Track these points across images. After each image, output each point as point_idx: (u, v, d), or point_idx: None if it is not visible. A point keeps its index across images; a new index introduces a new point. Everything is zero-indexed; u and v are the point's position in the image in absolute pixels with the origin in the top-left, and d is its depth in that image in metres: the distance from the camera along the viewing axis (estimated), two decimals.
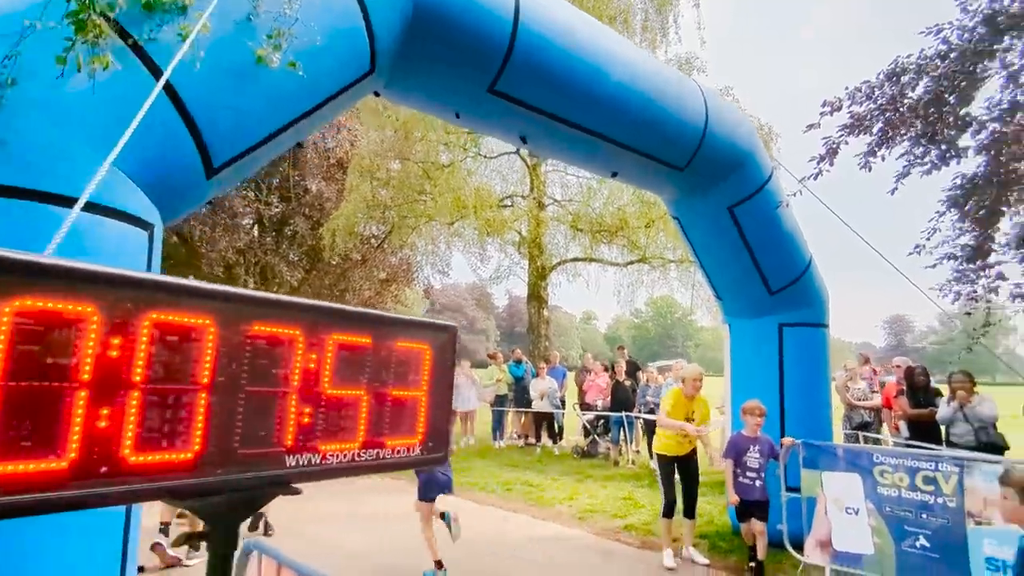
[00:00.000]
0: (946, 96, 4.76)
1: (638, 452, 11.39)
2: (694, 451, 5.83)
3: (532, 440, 12.24)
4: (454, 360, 1.77)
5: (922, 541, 4.31)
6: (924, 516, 4.33)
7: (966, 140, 5.02)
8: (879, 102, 4.98)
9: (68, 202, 1.96)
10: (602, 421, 11.22)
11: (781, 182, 6.27)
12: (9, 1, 2.26)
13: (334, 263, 18.66)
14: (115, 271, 1.09)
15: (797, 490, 5.15)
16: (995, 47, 4.55)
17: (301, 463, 1.37)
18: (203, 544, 1.32)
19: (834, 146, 5.14)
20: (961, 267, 5.94)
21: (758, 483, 4.99)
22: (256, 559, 2.44)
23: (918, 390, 7.41)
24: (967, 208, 5.11)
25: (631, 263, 17.85)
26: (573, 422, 12.72)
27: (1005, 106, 4.69)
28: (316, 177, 18.27)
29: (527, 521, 6.79)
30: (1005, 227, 5.56)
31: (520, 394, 12.48)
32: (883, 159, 4.99)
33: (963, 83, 4.65)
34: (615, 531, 6.36)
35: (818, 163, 5.16)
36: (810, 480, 4.98)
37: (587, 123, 4.53)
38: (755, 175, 5.52)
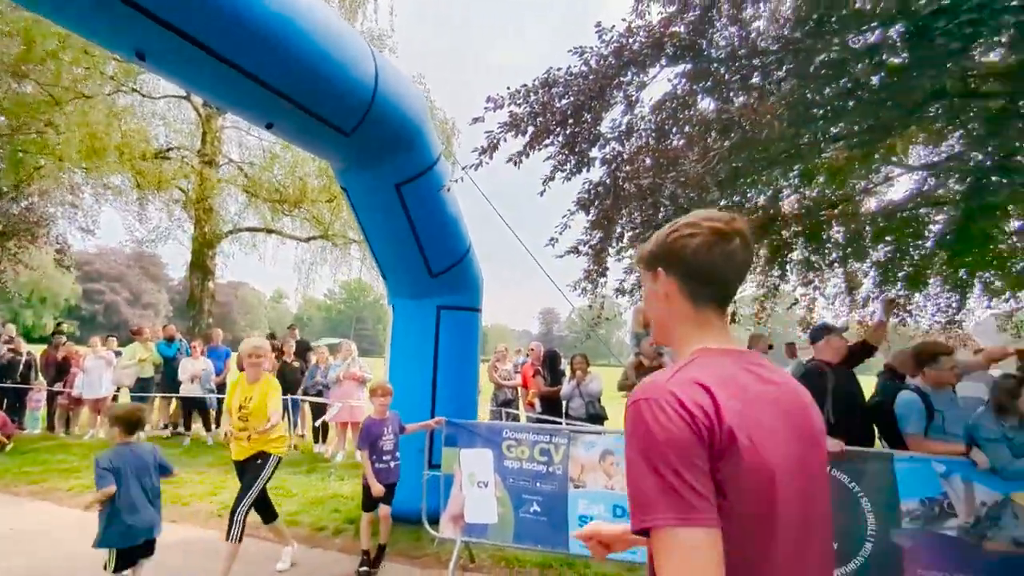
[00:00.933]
0: (583, 112, 5.40)
1: (303, 437, 10.75)
2: (260, 456, 4.57)
3: (181, 429, 10.49)
4: None
5: (535, 507, 4.77)
6: (538, 484, 4.81)
7: (597, 152, 5.84)
8: (534, 106, 5.40)
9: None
10: None
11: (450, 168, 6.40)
12: None
13: None
14: None
15: (439, 467, 5.26)
16: (620, 78, 5.34)
17: None
18: None
19: (494, 141, 5.39)
20: (587, 267, 6.96)
21: (393, 464, 4.93)
22: None
23: (550, 371, 8.60)
24: (590, 214, 5.92)
25: (312, 239, 16.85)
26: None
27: (623, 128, 5.55)
28: None
29: None
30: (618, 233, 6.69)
31: (170, 377, 10.53)
32: (527, 158, 5.41)
33: (596, 103, 5.34)
34: (254, 527, 5.61)
35: (479, 155, 5.34)
36: (449, 457, 5.11)
37: (227, 53, 3.72)
38: (424, 154, 5.44)
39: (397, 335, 6.32)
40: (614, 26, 5.29)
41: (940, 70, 4.17)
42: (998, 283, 9.64)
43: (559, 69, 5.43)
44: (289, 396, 9.71)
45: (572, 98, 5.26)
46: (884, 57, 4.52)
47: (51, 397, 10.94)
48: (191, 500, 6.66)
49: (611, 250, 6.93)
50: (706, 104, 6.19)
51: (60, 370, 10.94)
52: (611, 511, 4.54)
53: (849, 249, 9.46)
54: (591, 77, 5.27)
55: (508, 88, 5.42)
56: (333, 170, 5.94)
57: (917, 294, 10.05)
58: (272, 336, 13.08)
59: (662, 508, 1.00)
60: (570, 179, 5.88)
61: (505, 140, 5.38)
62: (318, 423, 10.00)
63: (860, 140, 6.72)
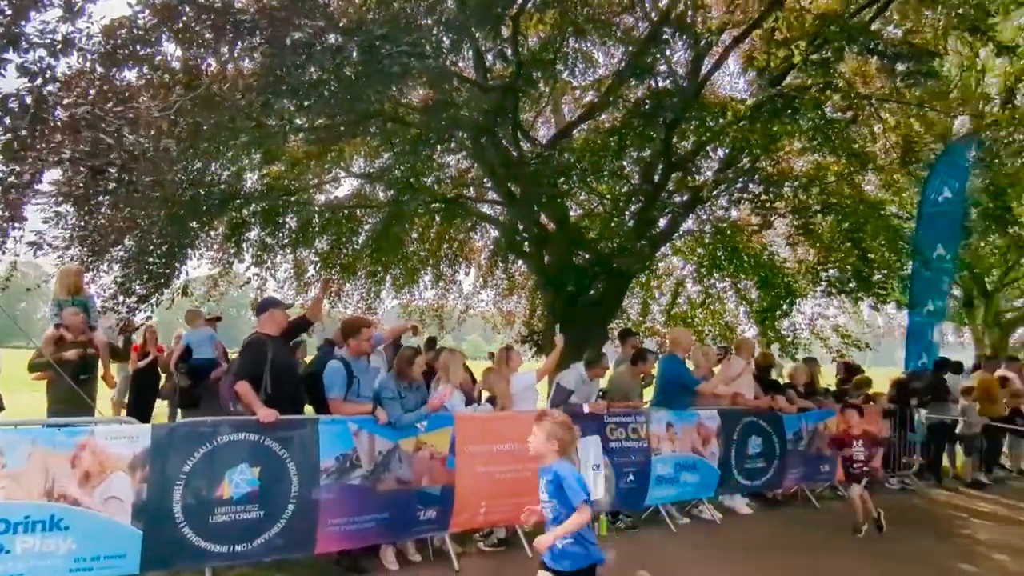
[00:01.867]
0: None
1: None
2: None
3: None
4: None
5: None
6: None
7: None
8: None
9: None
10: None
11: None
12: None
13: None
14: None
15: None
16: None
17: None
18: None
19: None
20: None
21: None
22: None
23: None
24: None
25: None
26: None
27: (60, 38, 4.32)
28: None
29: None
30: None
31: None
32: None
33: None
34: None
35: None
36: None
37: None
38: None
39: None
40: None
41: (382, 91, 4.96)
42: (401, 279, 12.28)
43: None
44: None
45: None
46: (343, 63, 5.02)
47: None
48: None
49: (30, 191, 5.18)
50: (172, 49, 5.44)
51: None
52: None
53: (300, 236, 10.20)
54: None
55: None
56: None
57: (347, 283, 11.74)
58: None
59: None
60: None
61: None
62: None
63: (318, 137, 7.33)
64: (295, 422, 4.25)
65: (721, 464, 6.29)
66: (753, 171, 7.95)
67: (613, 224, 7.73)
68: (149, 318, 8.26)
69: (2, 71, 4.32)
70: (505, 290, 13.60)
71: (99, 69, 4.88)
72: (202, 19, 4.88)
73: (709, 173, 8.77)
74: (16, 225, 5.18)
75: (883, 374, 10.85)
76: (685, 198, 8.63)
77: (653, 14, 8.30)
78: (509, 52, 6.75)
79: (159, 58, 5.25)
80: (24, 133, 4.55)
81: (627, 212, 8.18)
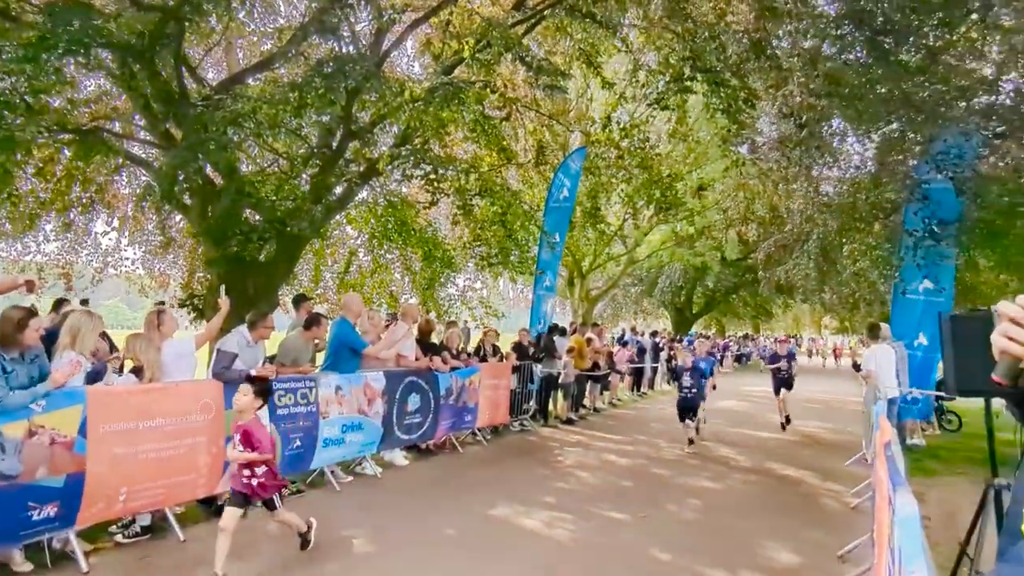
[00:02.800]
0: None
1: None
2: None
3: None
4: None
5: None
6: None
7: None
8: None
9: None
10: None
11: None
12: None
13: None
14: None
15: None
16: None
17: None
18: None
19: None
20: None
21: None
22: None
23: None
24: None
25: None
26: None
27: None
28: None
29: None
30: None
31: None
32: None
33: None
34: None
35: None
36: None
37: None
38: None
39: None
40: None
41: None
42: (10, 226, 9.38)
43: None
44: None
45: None
46: None
47: None
48: None
49: None
50: None
51: None
52: None
53: None
54: None
55: None
56: None
57: None
58: None
59: None
60: None
61: None
62: None
63: None
64: None
65: (384, 421, 6.78)
66: (425, 151, 8.59)
67: (287, 185, 7.35)
68: None
69: None
70: (158, 247, 11.51)
71: None
72: None
73: (384, 148, 9.12)
74: None
75: (510, 337, 13.14)
76: (361, 168, 8.78)
77: None
78: None
79: None
80: None
81: (304, 175, 7.88)
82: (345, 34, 7.69)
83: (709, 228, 21.97)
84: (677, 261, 23.10)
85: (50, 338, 4.26)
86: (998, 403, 3.48)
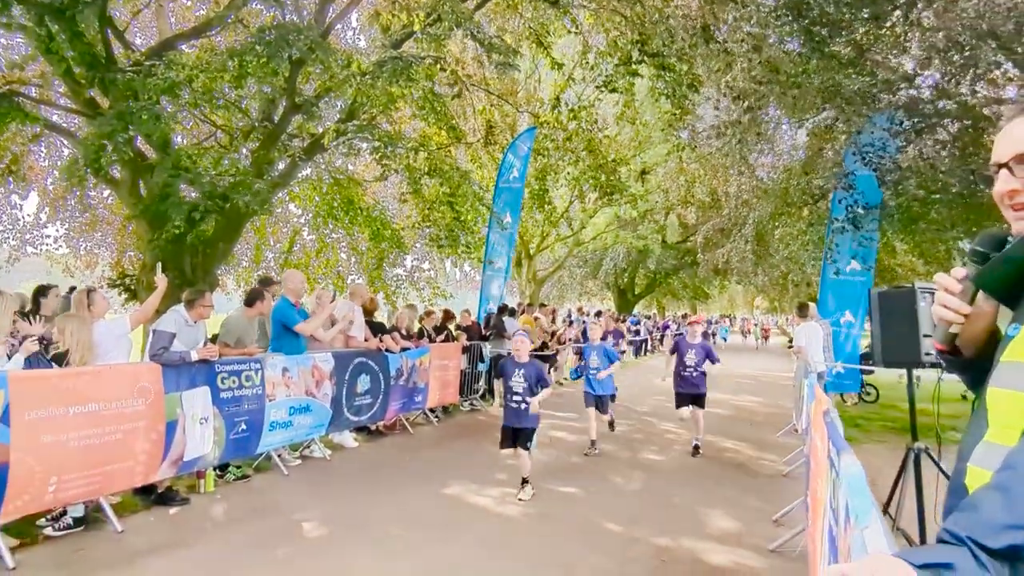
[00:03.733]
0: None
1: None
2: None
3: None
4: None
5: None
6: None
7: None
8: None
9: None
10: None
11: None
12: None
13: None
14: None
15: None
16: None
17: None
18: None
19: None
20: None
21: None
22: None
23: None
24: None
25: None
26: None
27: None
28: None
29: None
30: None
31: None
32: None
33: None
34: None
35: None
36: None
37: None
38: None
39: None
40: None
41: None
42: None
43: None
44: None
45: None
46: None
47: None
48: None
49: None
50: None
51: None
52: None
53: None
54: None
55: None
56: None
57: None
58: None
59: None
60: None
61: None
62: None
63: None
64: None
65: (333, 403, 6.67)
66: (372, 127, 8.36)
67: (227, 160, 6.99)
68: None
69: None
70: (84, 224, 10.71)
71: None
72: None
73: (330, 123, 8.81)
74: None
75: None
76: (305, 143, 8.47)
77: None
78: None
79: None
80: None
81: (244, 149, 7.52)
82: (287, 1, 7.35)
83: (651, 211, 22.52)
84: (621, 244, 23.59)
85: None
86: (918, 373, 3.79)
